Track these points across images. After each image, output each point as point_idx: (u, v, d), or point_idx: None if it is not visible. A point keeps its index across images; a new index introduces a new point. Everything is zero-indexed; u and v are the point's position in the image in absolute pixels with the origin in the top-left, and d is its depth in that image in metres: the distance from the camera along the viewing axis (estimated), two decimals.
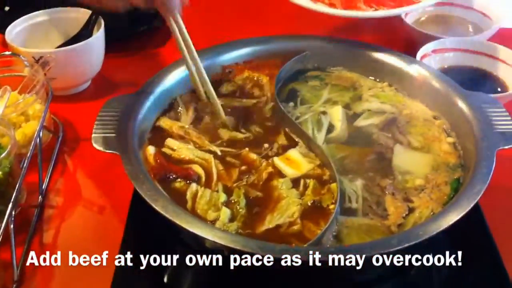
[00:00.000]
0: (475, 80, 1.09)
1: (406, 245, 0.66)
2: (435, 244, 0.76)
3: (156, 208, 0.71)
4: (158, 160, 0.84)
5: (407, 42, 1.14)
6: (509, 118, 0.85)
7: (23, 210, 0.87)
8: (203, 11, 1.41)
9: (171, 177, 0.82)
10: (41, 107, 0.97)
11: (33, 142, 0.89)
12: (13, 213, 0.79)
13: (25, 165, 0.85)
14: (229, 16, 1.35)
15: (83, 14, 1.14)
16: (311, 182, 0.81)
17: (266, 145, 0.88)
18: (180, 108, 0.95)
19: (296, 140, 0.89)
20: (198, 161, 0.85)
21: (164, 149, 0.87)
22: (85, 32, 1.13)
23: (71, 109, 1.08)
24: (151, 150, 0.86)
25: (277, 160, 0.85)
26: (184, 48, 0.93)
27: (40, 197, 0.89)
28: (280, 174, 0.83)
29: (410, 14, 1.26)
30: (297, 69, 1.04)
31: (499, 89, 1.07)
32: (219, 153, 0.87)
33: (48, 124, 0.99)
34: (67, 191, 0.93)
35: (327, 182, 0.81)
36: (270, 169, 0.83)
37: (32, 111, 0.96)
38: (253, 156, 0.86)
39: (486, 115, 0.86)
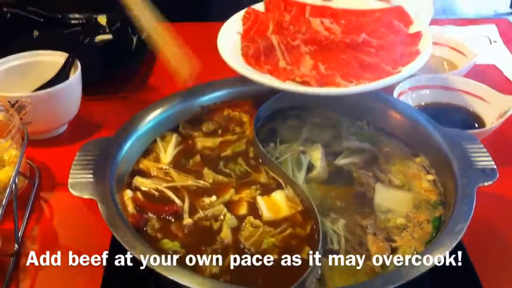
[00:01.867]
0: (452, 117, 1.10)
1: (391, 287, 0.66)
2: (418, 284, 0.76)
3: (135, 255, 0.69)
4: (137, 204, 0.83)
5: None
6: (488, 154, 0.86)
7: None
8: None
9: (150, 219, 0.81)
10: (17, 153, 0.95)
11: (8, 189, 0.87)
12: None
13: (0, 212, 0.83)
14: (207, 57, 1.34)
15: (59, 57, 1.13)
16: (288, 229, 0.80)
17: (253, 187, 0.87)
18: (159, 149, 0.95)
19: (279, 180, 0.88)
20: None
21: (142, 190, 0.86)
22: (61, 75, 1.11)
23: (48, 153, 1.07)
24: (129, 193, 0.85)
25: (259, 199, 0.85)
26: None
27: (16, 245, 0.87)
28: (257, 214, 0.83)
29: None
30: (276, 109, 1.03)
31: (476, 125, 1.07)
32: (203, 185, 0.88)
33: (24, 170, 0.97)
34: (44, 238, 0.90)
35: (304, 229, 0.80)
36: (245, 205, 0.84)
37: (8, 157, 0.95)
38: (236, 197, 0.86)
39: (465, 151, 0.87)
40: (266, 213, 0.83)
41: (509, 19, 1.65)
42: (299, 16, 1.11)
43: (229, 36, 1.06)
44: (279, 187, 0.87)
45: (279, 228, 0.80)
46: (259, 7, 1.14)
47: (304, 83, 0.93)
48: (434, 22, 1.48)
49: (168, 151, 0.94)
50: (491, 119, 1.07)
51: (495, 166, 0.83)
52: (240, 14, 1.12)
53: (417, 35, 1.04)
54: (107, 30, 1.47)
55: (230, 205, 0.84)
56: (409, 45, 1.02)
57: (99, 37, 1.44)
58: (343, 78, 0.93)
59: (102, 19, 1.47)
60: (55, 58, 1.14)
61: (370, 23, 1.08)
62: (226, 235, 0.79)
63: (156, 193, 0.87)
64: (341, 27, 1.07)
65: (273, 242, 0.78)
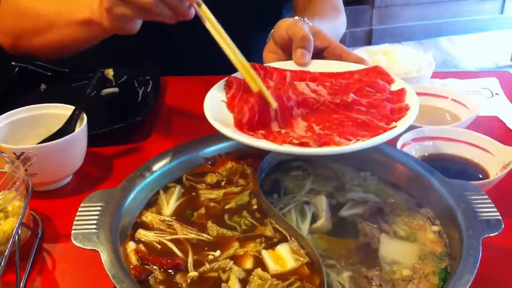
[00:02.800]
0: (456, 168, 1.10)
1: None
2: None
3: None
4: (140, 256, 0.83)
5: None
6: (492, 205, 0.86)
7: None
8: (181, 107, 1.44)
9: (154, 271, 0.80)
10: (21, 204, 0.95)
11: (11, 240, 0.86)
12: None
13: (2, 263, 0.82)
14: None
15: (65, 110, 1.15)
16: (296, 282, 0.79)
17: (258, 240, 0.87)
18: (162, 201, 0.94)
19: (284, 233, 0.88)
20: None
21: (145, 242, 0.86)
22: (67, 128, 1.13)
23: (51, 205, 1.07)
24: (132, 245, 0.84)
25: (264, 253, 0.84)
26: (215, 33, 1.01)
27: None
28: (263, 267, 0.82)
29: None
30: (279, 160, 1.04)
31: (480, 176, 1.07)
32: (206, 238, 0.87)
33: (27, 221, 0.97)
34: None
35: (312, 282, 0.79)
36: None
37: (12, 208, 0.95)
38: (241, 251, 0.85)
39: (469, 203, 0.86)
40: (272, 266, 0.82)
41: (510, 71, 1.67)
42: (283, 81, 1.10)
43: (216, 106, 1.03)
44: (284, 239, 0.87)
45: (287, 281, 0.79)
46: (239, 75, 1.09)
47: (302, 144, 0.91)
48: (435, 75, 1.50)
49: (171, 203, 0.94)
50: (495, 170, 1.07)
51: (500, 217, 0.83)
52: (221, 83, 1.09)
53: (402, 91, 1.04)
54: (114, 84, 1.49)
55: (235, 259, 0.84)
56: (396, 101, 1.02)
57: (106, 90, 1.46)
58: (341, 137, 0.92)
59: (109, 73, 1.49)
60: (62, 111, 1.15)
61: (353, 83, 1.08)
62: (233, 284, 0.78)
63: (159, 246, 0.86)
64: (326, 89, 1.06)
65: None
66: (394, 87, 1.07)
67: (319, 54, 1.20)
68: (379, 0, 4.59)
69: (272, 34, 1.27)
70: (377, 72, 1.11)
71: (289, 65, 1.15)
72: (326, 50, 1.20)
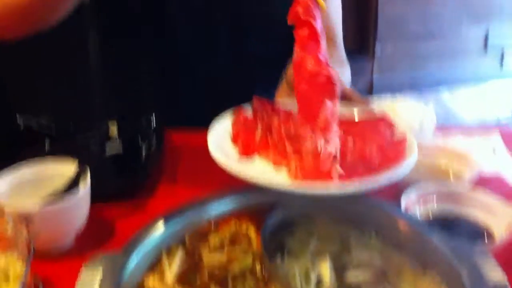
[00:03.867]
0: (460, 230, 1.09)
1: None
2: None
3: None
4: None
5: (391, 190, 1.16)
6: (499, 268, 0.85)
7: None
8: (187, 161, 1.44)
9: None
10: (22, 266, 0.94)
11: None
12: None
13: None
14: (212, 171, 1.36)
15: (69, 168, 1.15)
16: None
17: None
18: (164, 264, 0.94)
19: None
20: None
21: None
22: (71, 187, 1.12)
23: (53, 267, 1.06)
24: None
25: None
26: None
27: None
28: None
29: None
30: (283, 221, 1.03)
31: (486, 238, 1.07)
32: None
33: (28, 284, 0.96)
34: None
35: None
36: None
37: (13, 270, 0.94)
38: None
39: (475, 266, 0.85)
40: None
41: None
42: (288, 121, 1.17)
43: (219, 137, 1.12)
44: None
45: None
46: (247, 108, 1.21)
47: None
48: (437, 130, 1.51)
49: (173, 268, 0.93)
50: (500, 231, 1.06)
51: (507, 282, 0.82)
52: (227, 115, 1.19)
53: (403, 141, 1.10)
54: (117, 138, 1.50)
55: None
56: (395, 150, 1.07)
57: (109, 145, 1.46)
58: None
59: (113, 130, 1.50)
60: (66, 169, 1.15)
61: (356, 129, 1.14)
62: None
63: None
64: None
65: None
66: (397, 136, 1.13)
67: None
68: (379, 50, 4.65)
69: (286, 75, 1.34)
70: (384, 121, 1.17)
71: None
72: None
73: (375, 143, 1.09)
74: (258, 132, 1.16)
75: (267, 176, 1.04)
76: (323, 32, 1.10)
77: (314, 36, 1.09)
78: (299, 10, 1.08)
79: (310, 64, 1.09)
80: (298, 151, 1.08)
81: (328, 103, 1.08)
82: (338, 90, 1.11)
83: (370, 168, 1.02)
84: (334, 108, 1.09)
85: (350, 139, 1.09)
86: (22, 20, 1.23)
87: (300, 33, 1.10)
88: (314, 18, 1.08)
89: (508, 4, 4.68)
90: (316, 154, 1.03)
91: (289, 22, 1.10)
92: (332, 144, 1.04)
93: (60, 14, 1.23)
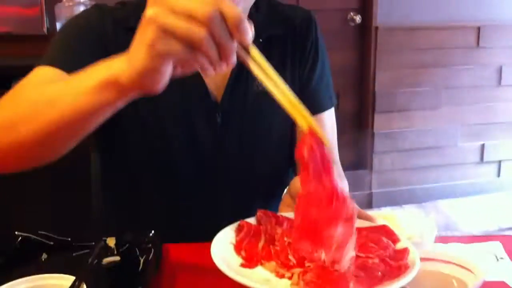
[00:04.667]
0: None
1: None
2: None
3: None
4: None
5: None
6: None
7: None
8: (184, 274, 1.42)
9: None
10: None
11: None
12: None
13: None
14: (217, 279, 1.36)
15: (66, 281, 1.13)
16: None
17: None
18: None
19: None
20: None
21: None
22: None
23: None
24: None
25: None
26: (265, 79, 0.99)
27: None
28: None
29: None
30: None
31: None
32: None
33: None
34: None
35: None
36: None
37: None
38: None
39: None
40: None
41: None
42: (290, 231, 1.18)
43: (222, 246, 1.15)
44: None
45: None
46: (252, 220, 1.24)
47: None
48: (438, 239, 1.50)
49: None
50: None
51: None
52: (233, 226, 1.22)
53: (405, 251, 1.13)
54: (115, 252, 1.49)
55: None
56: (397, 260, 1.09)
57: (107, 259, 1.45)
58: None
59: (111, 241, 1.49)
60: (62, 282, 1.14)
61: (358, 239, 1.14)
62: None
63: None
64: None
65: None
66: (399, 246, 1.14)
67: None
68: (377, 164, 4.70)
69: (289, 189, 1.39)
70: (385, 230, 1.20)
71: None
72: None
73: (377, 253, 1.11)
74: (261, 242, 1.18)
75: (269, 285, 1.05)
76: (330, 162, 1.06)
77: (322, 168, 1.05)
78: (304, 152, 1.03)
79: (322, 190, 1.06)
80: (301, 263, 1.09)
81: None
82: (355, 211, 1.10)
83: (374, 279, 1.03)
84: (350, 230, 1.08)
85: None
86: (18, 158, 1.20)
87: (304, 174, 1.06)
88: (316, 160, 1.02)
89: (503, 119, 4.79)
90: (324, 268, 1.06)
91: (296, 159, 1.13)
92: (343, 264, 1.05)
93: (60, 153, 1.19)
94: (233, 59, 0.94)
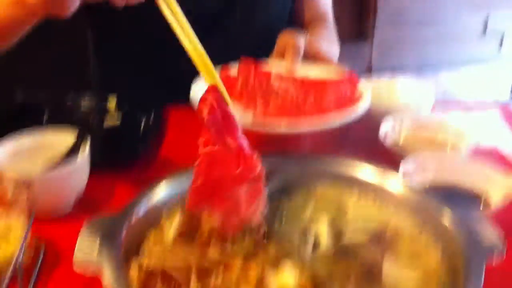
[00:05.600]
0: (457, 197, 1.10)
1: None
2: None
3: None
4: (142, 282, 0.82)
5: (387, 162, 1.17)
6: (495, 232, 0.86)
7: None
8: (185, 136, 1.45)
9: None
10: (23, 229, 0.95)
11: (12, 265, 0.86)
12: None
13: (3, 287, 0.82)
14: None
15: (68, 136, 1.15)
16: None
17: (260, 264, 0.86)
18: (164, 227, 0.94)
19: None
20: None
21: (148, 267, 0.86)
22: (70, 155, 1.13)
23: (53, 230, 1.07)
24: (134, 271, 0.84)
25: (268, 277, 0.84)
26: (178, 27, 0.91)
27: None
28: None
29: (388, 134, 1.29)
30: (280, 187, 1.04)
31: (481, 205, 1.08)
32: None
33: (29, 246, 0.97)
34: None
35: None
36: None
37: (13, 234, 0.95)
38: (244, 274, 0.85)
39: (472, 230, 0.86)
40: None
41: (511, 104, 1.68)
42: (263, 78, 1.35)
43: (202, 88, 1.19)
44: (285, 264, 0.86)
45: None
46: (233, 69, 1.38)
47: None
48: (435, 106, 1.51)
49: (172, 229, 0.94)
50: (496, 199, 1.07)
51: (502, 245, 0.83)
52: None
53: (359, 96, 1.28)
54: (116, 114, 1.50)
55: (240, 283, 0.83)
56: (353, 101, 1.26)
57: (108, 119, 1.47)
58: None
59: (112, 103, 1.50)
60: (65, 137, 1.16)
61: (321, 86, 1.32)
62: None
63: (161, 272, 0.85)
64: (294, 85, 1.32)
65: None
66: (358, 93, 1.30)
67: (311, 59, 1.44)
68: (378, 35, 4.64)
69: (276, 44, 1.46)
70: (350, 79, 1.34)
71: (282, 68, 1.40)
72: (315, 57, 1.44)
73: (334, 98, 1.27)
74: (238, 86, 1.32)
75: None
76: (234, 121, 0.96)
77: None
78: (204, 112, 0.91)
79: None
80: (266, 101, 1.28)
81: None
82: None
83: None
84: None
85: (311, 95, 1.29)
86: None
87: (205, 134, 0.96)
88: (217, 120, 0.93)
89: None
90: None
91: None
92: None
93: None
94: None
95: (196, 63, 0.93)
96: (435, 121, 1.38)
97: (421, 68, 4.58)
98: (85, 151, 1.12)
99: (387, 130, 1.31)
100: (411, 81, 1.54)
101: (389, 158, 1.21)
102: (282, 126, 1.14)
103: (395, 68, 4.48)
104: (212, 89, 0.90)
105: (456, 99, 3.59)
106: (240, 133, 0.93)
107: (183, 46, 0.92)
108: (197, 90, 1.27)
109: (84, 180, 1.12)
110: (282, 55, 1.42)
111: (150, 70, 1.71)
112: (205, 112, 0.87)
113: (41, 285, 0.95)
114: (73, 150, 1.14)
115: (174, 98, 1.54)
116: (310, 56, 1.44)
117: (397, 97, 1.49)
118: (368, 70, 4.59)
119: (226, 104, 0.90)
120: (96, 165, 1.16)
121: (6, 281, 0.83)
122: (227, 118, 0.89)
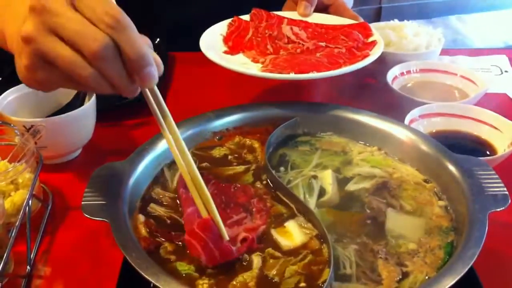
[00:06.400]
0: (463, 144, 1.10)
1: None
2: None
3: (146, 276, 0.69)
4: (150, 229, 0.83)
5: (394, 107, 1.16)
6: (499, 180, 0.86)
7: (10, 280, 0.85)
8: (190, 82, 1.44)
9: (163, 243, 0.81)
10: (31, 176, 0.96)
11: (22, 211, 0.88)
12: (0, 283, 0.77)
13: (13, 234, 0.83)
14: (220, 86, 1.39)
15: None
16: (308, 256, 0.79)
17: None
18: (168, 176, 0.95)
19: (291, 206, 0.88)
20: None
21: (154, 215, 0.87)
22: (76, 102, 1.13)
23: (61, 178, 1.08)
24: (141, 218, 0.85)
25: (273, 232, 0.84)
26: (162, 120, 0.81)
27: (28, 267, 0.87)
28: (275, 245, 0.82)
29: (396, 80, 1.28)
30: (287, 135, 1.05)
31: (487, 153, 1.07)
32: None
33: (38, 193, 0.98)
34: (55, 261, 0.91)
35: (322, 255, 0.80)
36: None
37: (22, 180, 0.96)
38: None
39: (477, 178, 0.86)
40: (283, 242, 0.82)
41: None
42: (275, 24, 1.34)
43: (212, 36, 1.28)
44: (290, 216, 0.87)
45: (299, 256, 0.80)
46: (245, 17, 1.37)
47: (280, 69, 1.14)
48: (444, 52, 1.50)
49: (175, 180, 0.94)
50: (503, 147, 1.07)
51: (507, 192, 0.83)
52: (227, 21, 1.34)
53: (373, 43, 1.24)
54: None
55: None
56: (362, 50, 1.22)
57: None
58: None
59: None
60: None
61: (332, 32, 1.31)
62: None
63: (168, 221, 0.87)
64: (307, 33, 1.31)
65: (295, 270, 0.77)
66: (371, 39, 1.26)
67: (324, 10, 1.40)
68: None
69: None
70: (362, 26, 1.30)
71: (294, 15, 1.37)
72: (330, 7, 1.40)
73: (346, 44, 1.24)
74: (249, 35, 1.32)
75: (244, 67, 1.17)
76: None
77: None
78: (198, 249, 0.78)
79: None
80: (277, 51, 1.27)
81: None
82: None
83: (334, 64, 1.16)
84: None
85: (323, 40, 1.28)
86: None
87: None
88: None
89: None
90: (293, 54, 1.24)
91: None
92: None
93: None
94: (135, 93, 0.75)
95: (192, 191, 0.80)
96: (444, 66, 1.36)
97: (431, 13, 4.50)
98: (91, 97, 1.11)
99: (395, 75, 1.30)
100: (420, 25, 1.51)
101: (397, 103, 1.20)
102: (291, 73, 1.12)
103: (404, 13, 4.39)
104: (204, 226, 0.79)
105: (465, 45, 3.53)
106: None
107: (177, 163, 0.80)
108: (207, 36, 1.27)
109: (91, 126, 1.12)
110: (294, 5, 1.39)
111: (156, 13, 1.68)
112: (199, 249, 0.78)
113: (50, 232, 0.96)
114: (80, 96, 1.14)
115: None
116: (324, 5, 1.40)
117: (406, 41, 1.46)
118: (378, 14, 4.51)
119: (222, 240, 0.79)
120: (103, 111, 1.16)
121: (16, 229, 0.84)
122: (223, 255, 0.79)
